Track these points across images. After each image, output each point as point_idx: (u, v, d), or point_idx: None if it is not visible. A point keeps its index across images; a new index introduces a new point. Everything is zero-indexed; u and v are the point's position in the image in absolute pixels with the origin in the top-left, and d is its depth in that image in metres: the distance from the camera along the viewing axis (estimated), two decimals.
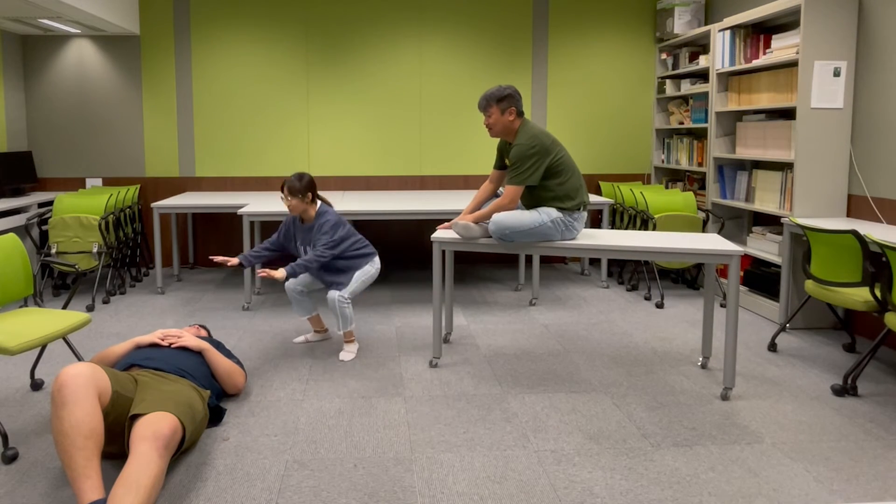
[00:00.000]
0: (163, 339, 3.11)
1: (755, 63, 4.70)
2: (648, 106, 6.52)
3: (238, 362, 3.28)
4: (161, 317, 4.67)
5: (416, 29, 6.28)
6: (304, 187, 3.74)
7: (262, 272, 3.47)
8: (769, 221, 5.11)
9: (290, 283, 3.91)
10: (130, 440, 2.28)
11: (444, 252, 4.19)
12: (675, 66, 6.13)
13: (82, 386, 2.29)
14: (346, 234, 3.81)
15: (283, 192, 3.76)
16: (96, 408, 2.28)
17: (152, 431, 2.29)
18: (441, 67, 6.33)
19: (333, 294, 3.75)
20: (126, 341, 3.09)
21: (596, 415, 3.06)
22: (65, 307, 3.54)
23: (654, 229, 5.13)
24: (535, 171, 3.37)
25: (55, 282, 5.33)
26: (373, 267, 3.90)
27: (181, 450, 2.51)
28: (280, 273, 3.51)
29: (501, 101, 3.44)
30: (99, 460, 2.21)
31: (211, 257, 3.49)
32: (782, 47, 4.48)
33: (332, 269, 3.84)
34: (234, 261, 3.66)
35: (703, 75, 5.86)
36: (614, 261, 6.47)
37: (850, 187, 4.36)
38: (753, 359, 3.81)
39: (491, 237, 3.47)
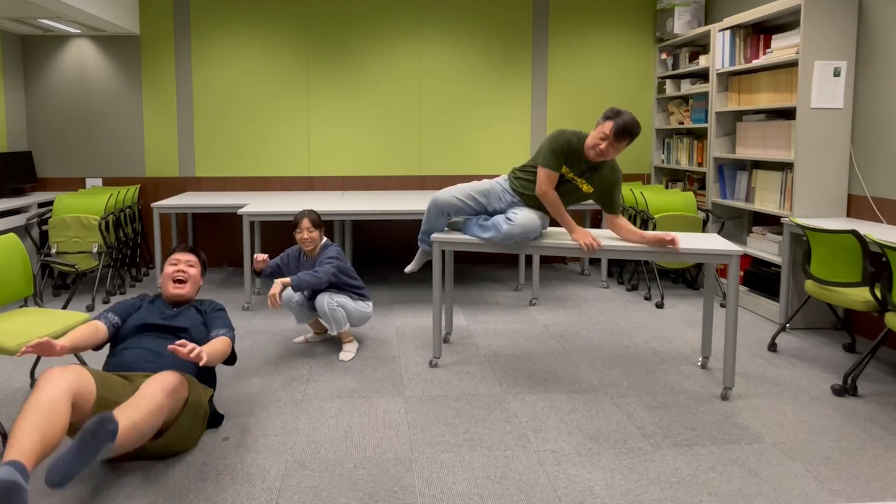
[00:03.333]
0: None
1: (755, 63, 4.70)
2: (648, 106, 6.52)
3: (230, 326, 3.03)
4: None
5: (417, 29, 6.28)
6: (321, 221, 3.85)
7: (272, 299, 3.46)
8: (769, 221, 5.11)
9: (287, 295, 3.90)
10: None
11: (444, 252, 4.19)
12: (675, 66, 6.13)
13: (56, 391, 2.24)
14: (349, 268, 3.87)
15: (301, 225, 3.79)
16: (64, 416, 2.22)
17: (158, 380, 2.43)
18: (441, 67, 6.33)
19: (322, 298, 3.76)
20: (86, 324, 2.79)
21: (596, 415, 3.06)
22: (65, 307, 3.54)
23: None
24: None
25: (55, 282, 5.33)
26: (367, 307, 3.92)
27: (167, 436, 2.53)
28: (277, 287, 3.51)
29: (633, 140, 3.25)
30: (46, 448, 2.12)
31: (257, 256, 3.72)
32: (782, 47, 4.48)
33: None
34: (264, 260, 3.74)
35: (703, 75, 5.86)
36: (614, 261, 6.47)
37: (850, 187, 4.36)
38: (753, 359, 3.81)
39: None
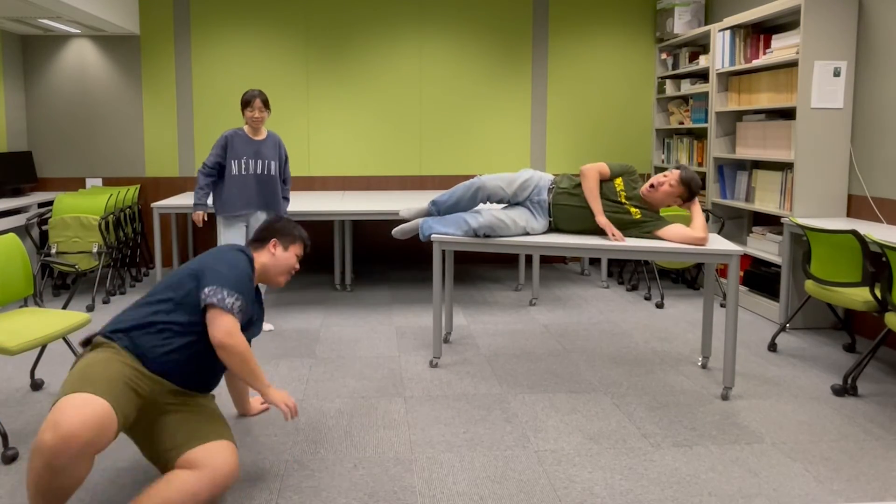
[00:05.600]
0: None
1: (755, 63, 4.70)
2: (648, 106, 6.52)
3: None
4: None
5: (417, 28, 6.28)
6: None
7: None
8: (769, 221, 5.11)
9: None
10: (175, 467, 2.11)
11: (444, 252, 4.19)
12: (675, 66, 6.13)
13: (79, 455, 1.88)
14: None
15: (253, 104, 3.99)
16: (85, 472, 1.98)
17: (209, 463, 2.10)
18: (441, 67, 6.33)
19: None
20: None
21: (596, 415, 3.06)
22: (65, 307, 3.54)
23: None
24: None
25: (55, 282, 5.33)
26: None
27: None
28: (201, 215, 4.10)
29: (694, 193, 3.39)
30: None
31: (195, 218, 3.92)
32: (782, 47, 4.48)
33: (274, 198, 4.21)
34: (200, 215, 4.09)
35: (703, 75, 5.86)
36: (614, 261, 6.47)
37: (850, 187, 4.36)
38: (753, 359, 3.81)
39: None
